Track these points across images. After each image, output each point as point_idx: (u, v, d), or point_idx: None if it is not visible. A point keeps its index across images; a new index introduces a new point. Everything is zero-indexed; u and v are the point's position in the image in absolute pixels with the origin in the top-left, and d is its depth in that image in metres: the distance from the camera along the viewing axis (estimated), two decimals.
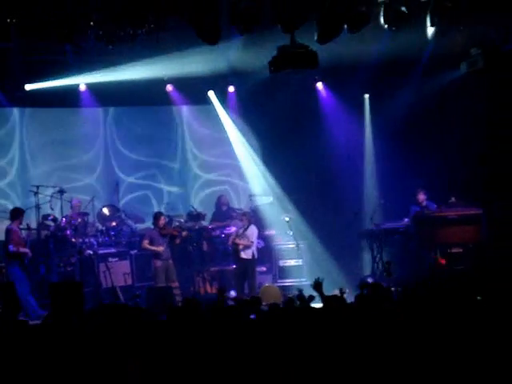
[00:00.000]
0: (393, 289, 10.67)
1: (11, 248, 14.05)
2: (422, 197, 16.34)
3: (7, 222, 15.33)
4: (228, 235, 16.44)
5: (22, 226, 14.91)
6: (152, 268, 15.57)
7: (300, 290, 10.14)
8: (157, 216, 15.74)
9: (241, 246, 15.49)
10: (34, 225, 16.18)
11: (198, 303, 8.89)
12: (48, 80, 16.49)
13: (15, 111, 17.86)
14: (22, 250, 14.16)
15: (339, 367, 6.46)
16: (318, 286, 9.49)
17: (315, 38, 14.03)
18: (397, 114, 17.85)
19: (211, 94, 18.57)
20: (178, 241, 15.72)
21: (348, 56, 16.40)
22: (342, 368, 6.46)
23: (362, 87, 18.13)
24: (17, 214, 14.54)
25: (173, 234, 15.65)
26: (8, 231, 14.34)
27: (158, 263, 15.37)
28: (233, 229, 16.52)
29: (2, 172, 17.82)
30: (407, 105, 17.78)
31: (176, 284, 15.33)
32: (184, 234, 15.89)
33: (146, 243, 15.48)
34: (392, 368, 6.47)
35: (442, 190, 16.74)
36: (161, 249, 15.31)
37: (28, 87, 16.89)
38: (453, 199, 16.18)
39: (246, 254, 15.53)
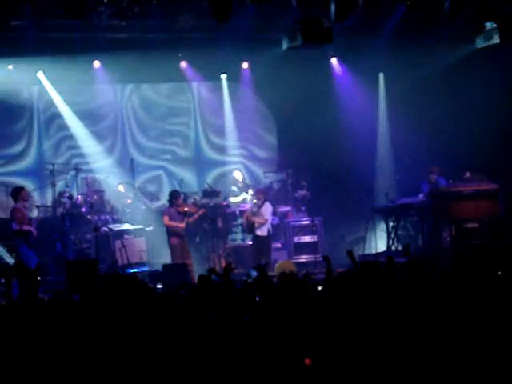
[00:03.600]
0: None
1: (14, 226, 13.98)
2: (434, 174, 16.26)
3: None
4: (243, 212, 16.46)
5: (36, 203, 14.88)
6: (168, 245, 15.61)
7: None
8: (174, 195, 15.76)
9: (256, 224, 15.50)
10: (49, 203, 16.30)
11: (210, 280, 8.98)
12: (63, 57, 16.50)
13: (33, 89, 17.88)
14: (26, 227, 14.07)
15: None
16: (350, 253, 9.74)
17: (332, 16, 14.03)
18: (411, 89, 17.78)
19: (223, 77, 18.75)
20: (193, 218, 15.72)
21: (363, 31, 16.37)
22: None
23: (377, 62, 18.00)
24: (16, 193, 14.41)
25: (190, 211, 15.67)
26: (12, 210, 14.26)
27: (175, 241, 15.42)
28: (247, 205, 16.53)
29: (20, 152, 17.90)
30: (422, 80, 17.70)
31: (190, 261, 15.38)
32: (200, 212, 15.88)
33: (166, 219, 15.50)
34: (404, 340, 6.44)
35: (458, 165, 16.66)
36: (182, 225, 15.38)
37: (39, 75, 17.22)
38: (468, 174, 16.10)
39: (261, 231, 15.55)
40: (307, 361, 5.83)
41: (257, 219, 15.50)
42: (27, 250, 13.95)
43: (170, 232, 15.45)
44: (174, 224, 15.39)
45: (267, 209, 15.68)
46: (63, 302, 8.40)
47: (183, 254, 15.36)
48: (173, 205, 15.59)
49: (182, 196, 15.89)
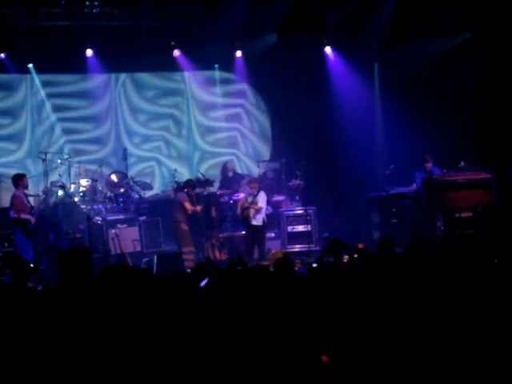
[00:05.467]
0: None
1: (11, 214, 13.88)
2: (428, 163, 16.23)
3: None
4: (236, 201, 16.39)
5: (28, 192, 14.77)
6: (177, 231, 15.54)
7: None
8: (191, 184, 15.83)
9: (251, 213, 15.44)
10: (41, 192, 16.25)
11: (207, 269, 8.95)
12: (54, 46, 16.42)
13: (26, 78, 17.76)
14: (24, 216, 13.94)
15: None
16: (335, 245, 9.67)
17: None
18: (405, 78, 17.72)
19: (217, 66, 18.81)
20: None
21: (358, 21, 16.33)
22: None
23: (372, 51, 17.96)
24: (16, 179, 14.32)
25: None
26: (12, 197, 14.20)
27: (185, 227, 15.45)
28: (241, 195, 16.48)
29: (13, 140, 17.80)
30: (416, 69, 17.65)
31: (194, 249, 15.40)
32: (199, 207, 15.82)
33: (188, 205, 15.50)
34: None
35: (452, 154, 16.61)
36: (198, 209, 15.51)
37: (30, 65, 17.14)
38: (462, 163, 16.06)
39: (256, 221, 15.50)
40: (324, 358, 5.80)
41: (254, 206, 15.44)
42: (23, 240, 13.87)
43: (183, 218, 15.43)
44: (193, 208, 15.41)
45: (263, 198, 15.64)
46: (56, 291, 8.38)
47: (190, 241, 15.40)
48: (187, 191, 15.57)
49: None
